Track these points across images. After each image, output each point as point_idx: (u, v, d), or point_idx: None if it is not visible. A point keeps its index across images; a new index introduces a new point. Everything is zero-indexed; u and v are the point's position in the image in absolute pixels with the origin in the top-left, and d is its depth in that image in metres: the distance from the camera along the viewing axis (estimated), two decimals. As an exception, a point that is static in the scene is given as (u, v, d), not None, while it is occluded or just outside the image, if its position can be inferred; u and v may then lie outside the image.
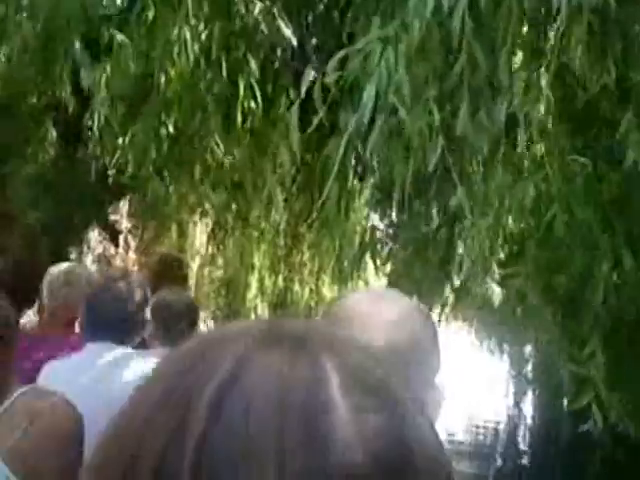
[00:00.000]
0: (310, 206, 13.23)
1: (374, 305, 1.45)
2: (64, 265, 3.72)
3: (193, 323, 3.37)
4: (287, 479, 0.42)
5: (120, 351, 2.68)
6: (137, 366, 2.58)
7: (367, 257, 15.32)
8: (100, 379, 2.53)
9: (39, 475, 1.64)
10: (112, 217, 11.20)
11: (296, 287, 13.78)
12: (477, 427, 12.39)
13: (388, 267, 12.74)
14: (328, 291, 14.30)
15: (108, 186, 7.31)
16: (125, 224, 12.30)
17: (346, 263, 14.80)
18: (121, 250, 11.94)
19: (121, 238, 11.85)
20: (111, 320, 2.70)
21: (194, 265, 14.00)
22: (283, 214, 13.22)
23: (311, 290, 14.19)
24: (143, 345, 2.94)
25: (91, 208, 7.68)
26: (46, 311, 3.36)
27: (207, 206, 12.58)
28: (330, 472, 0.43)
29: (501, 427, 12.23)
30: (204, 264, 13.67)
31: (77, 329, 3.16)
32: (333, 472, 0.43)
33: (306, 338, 0.52)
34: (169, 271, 4.17)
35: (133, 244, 12.93)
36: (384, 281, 12.82)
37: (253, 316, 14.78)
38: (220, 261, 14.11)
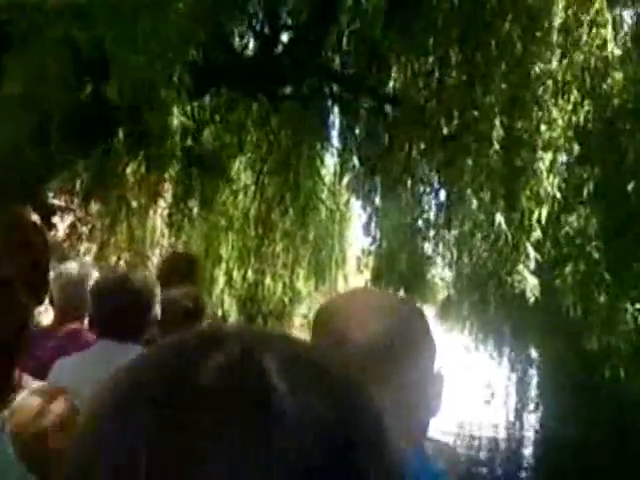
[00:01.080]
0: (283, 190, 12.03)
1: (364, 300, 1.42)
2: (73, 263, 3.82)
3: (196, 320, 3.37)
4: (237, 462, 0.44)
5: (131, 348, 2.65)
6: None
7: (349, 248, 14.29)
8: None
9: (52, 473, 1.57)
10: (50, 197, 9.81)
11: (268, 281, 12.77)
12: (472, 437, 11.29)
13: (371, 259, 11.28)
14: (304, 286, 13.67)
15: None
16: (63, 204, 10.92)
17: (324, 254, 13.79)
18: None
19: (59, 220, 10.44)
20: (121, 317, 2.75)
21: (153, 257, 12.66)
22: (253, 199, 12.40)
23: (284, 284, 13.26)
24: (151, 342, 2.81)
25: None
26: (55, 308, 3.43)
27: (166, 187, 11.20)
28: (272, 453, 0.45)
29: (499, 440, 11.11)
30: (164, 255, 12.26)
31: (86, 325, 3.26)
32: (275, 453, 0.45)
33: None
34: (179, 269, 4.21)
35: (84, 229, 11.51)
36: (367, 275, 11.52)
37: (220, 312, 13.47)
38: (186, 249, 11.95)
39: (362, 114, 10.36)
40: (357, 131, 11.40)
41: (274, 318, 13.74)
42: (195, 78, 7.19)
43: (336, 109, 10.90)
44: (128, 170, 10.03)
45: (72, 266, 3.57)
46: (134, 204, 11.19)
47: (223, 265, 12.58)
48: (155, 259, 12.83)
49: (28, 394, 1.85)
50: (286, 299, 13.54)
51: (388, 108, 9.22)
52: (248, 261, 12.44)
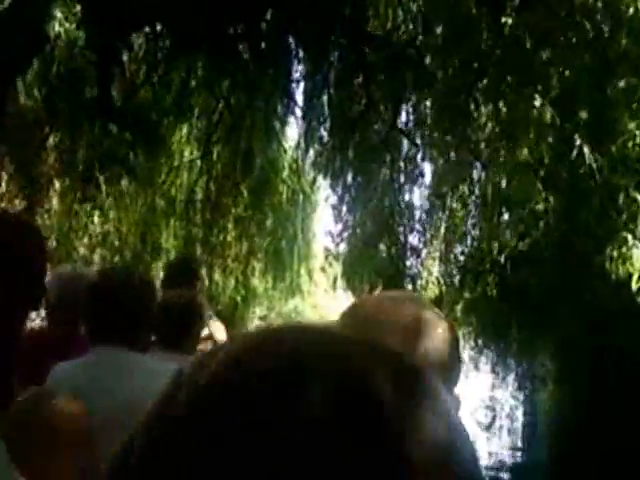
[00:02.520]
0: (235, 167, 10.27)
1: (393, 310, 1.40)
2: (68, 266, 4.22)
3: (195, 327, 3.34)
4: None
5: (128, 354, 2.65)
6: (146, 369, 2.59)
7: (314, 238, 12.63)
8: (109, 382, 2.55)
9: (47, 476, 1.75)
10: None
11: (217, 276, 11.19)
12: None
13: (342, 250, 9.66)
14: (260, 282, 12.12)
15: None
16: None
17: (285, 244, 12.09)
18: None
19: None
20: (118, 322, 2.68)
21: (81, 247, 10.91)
22: (198, 177, 10.99)
23: (237, 281, 11.67)
24: (149, 348, 2.89)
25: None
26: (50, 311, 3.45)
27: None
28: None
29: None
30: (94, 245, 10.52)
31: (82, 330, 3.13)
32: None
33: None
34: (182, 273, 4.21)
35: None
36: (336, 269, 10.49)
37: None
38: (115, 241, 11.30)
39: (334, 70, 8.55)
40: (326, 94, 9.73)
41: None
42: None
43: (301, 66, 9.16)
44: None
45: (67, 269, 3.77)
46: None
47: (163, 257, 10.98)
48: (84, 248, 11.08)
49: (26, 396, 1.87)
50: (238, 298, 11.91)
51: (368, 55, 7.43)
52: (193, 251, 10.91)
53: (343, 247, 9.81)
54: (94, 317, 2.74)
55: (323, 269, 9.75)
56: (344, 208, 9.89)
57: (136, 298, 2.74)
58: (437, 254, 8.97)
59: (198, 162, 10.66)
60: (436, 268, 9.07)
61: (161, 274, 11.32)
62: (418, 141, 9.68)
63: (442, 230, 8.75)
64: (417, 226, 9.06)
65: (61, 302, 3.33)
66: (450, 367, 1.34)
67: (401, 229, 9.11)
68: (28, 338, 2.77)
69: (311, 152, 10.27)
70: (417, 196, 9.36)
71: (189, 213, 11.08)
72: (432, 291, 8.96)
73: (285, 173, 11.44)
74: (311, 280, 13.35)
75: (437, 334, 1.33)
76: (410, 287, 9.02)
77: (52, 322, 3.45)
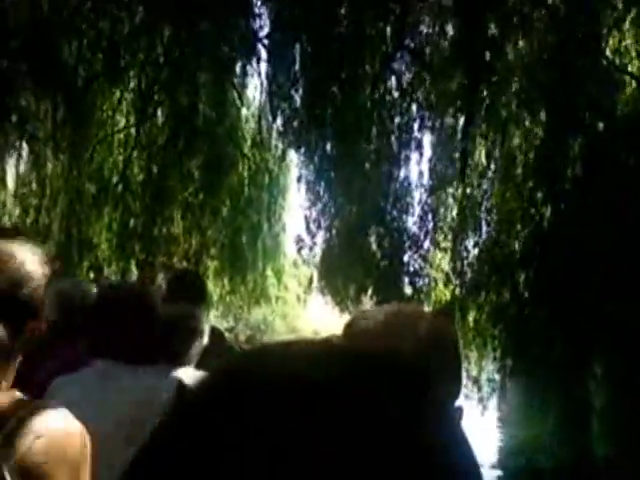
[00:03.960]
0: (183, 139, 9.16)
1: (393, 322, 1.53)
2: (68, 280, 4.25)
3: (196, 341, 3.30)
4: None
5: (127, 368, 2.72)
6: (144, 383, 2.72)
7: (284, 229, 10.96)
8: (104, 396, 2.64)
9: None
10: None
11: (160, 278, 9.03)
12: None
13: (319, 242, 8.63)
14: (215, 286, 10.23)
15: None
16: None
17: (246, 238, 10.19)
18: None
19: None
20: (118, 336, 2.76)
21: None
22: (137, 152, 9.64)
23: None
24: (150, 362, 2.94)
25: None
26: (49, 326, 2.76)
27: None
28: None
29: None
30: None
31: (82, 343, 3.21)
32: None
33: None
34: (183, 287, 4.24)
35: None
36: (312, 269, 9.25)
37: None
38: (34, 234, 9.21)
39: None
40: (298, 46, 8.44)
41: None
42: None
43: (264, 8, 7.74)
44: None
45: (66, 284, 3.81)
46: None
47: (94, 253, 9.83)
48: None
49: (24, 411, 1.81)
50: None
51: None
52: (131, 247, 9.77)
53: (321, 239, 7.93)
54: (95, 331, 2.84)
55: (300, 254, 7.89)
56: (321, 190, 8.10)
57: (137, 313, 2.84)
58: (446, 244, 7.09)
59: (133, 132, 8.91)
60: (445, 263, 7.18)
61: (90, 275, 9.75)
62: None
63: (451, 214, 6.90)
64: (417, 210, 7.17)
65: (61, 316, 3.47)
66: (450, 380, 1.39)
67: (396, 214, 7.21)
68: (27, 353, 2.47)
69: (279, 119, 8.98)
70: (415, 172, 7.54)
71: (125, 199, 9.65)
72: (441, 293, 7.07)
73: (246, 146, 9.86)
74: (280, 283, 11.56)
75: (436, 349, 1.38)
76: (410, 290, 7.14)
77: (51, 336, 3.38)
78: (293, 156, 9.61)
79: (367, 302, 7.64)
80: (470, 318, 7.47)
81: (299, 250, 8.09)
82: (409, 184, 7.54)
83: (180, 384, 2.70)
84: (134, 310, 2.79)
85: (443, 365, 1.36)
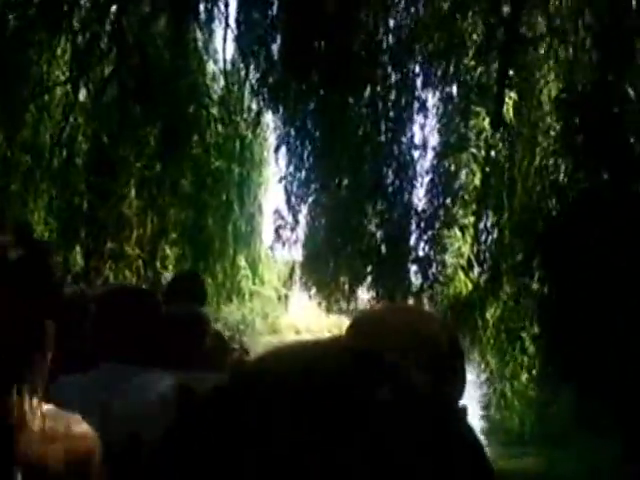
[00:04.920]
0: (134, 99, 7.94)
1: (395, 324, 1.57)
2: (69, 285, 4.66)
3: (203, 342, 3.25)
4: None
5: (130, 369, 2.72)
6: (146, 385, 2.70)
7: (260, 209, 9.78)
8: (104, 397, 2.58)
9: None
10: None
11: (107, 269, 8.30)
12: None
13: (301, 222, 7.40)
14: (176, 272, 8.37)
15: None
16: None
17: (213, 220, 8.76)
18: None
19: None
20: (122, 338, 2.76)
21: None
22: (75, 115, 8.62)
23: (139, 275, 8.70)
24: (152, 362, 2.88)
25: None
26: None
27: None
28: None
29: None
30: None
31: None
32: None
33: None
34: (185, 288, 4.28)
35: None
36: (296, 254, 7.68)
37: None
38: None
39: None
40: None
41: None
42: None
43: None
44: None
45: (67, 288, 3.97)
46: None
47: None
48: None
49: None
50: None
51: None
52: (74, 231, 8.70)
53: (305, 219, 6.59)
54: (99, 333, 2.84)
55: (279, 240, 6.59)
56: (305, 159, 6.74)
57: (140, 315, 2.84)
58: (466, 221, 5.68)
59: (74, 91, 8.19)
60: (465, 245, 5.77)
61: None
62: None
63: (473, 182, 5.52)
64: (426, 179, 5.86)
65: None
66: (452, 380, 1.42)
67: (399, 185, 5.85)
68: None
69: (252, 74, 8.02)
70: (418, 136, 6.28)
71: (66, 172, 8.63)
72: (460, 284, 5.67)
73: (214, 108, 8.67)
74: (255, 275, 10.45)
75: (436, 349, 1.41)
76: (418, 281, 5.74)
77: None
78: (270, 119, 8.62)
79: (364, 298, 6.34)
80: (494, 313, 6.09)
81: (277, 231, 6.66)
82: (416, 147, 6.15)
83: (183, 385, 2.56)
84: (137, 310, 2.82)
85: (446, 366, 1.38)
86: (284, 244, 6.80)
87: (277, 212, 6.96)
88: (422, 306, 5.93)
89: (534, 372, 6.24)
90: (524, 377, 6.34)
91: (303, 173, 7.03)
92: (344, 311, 7.55)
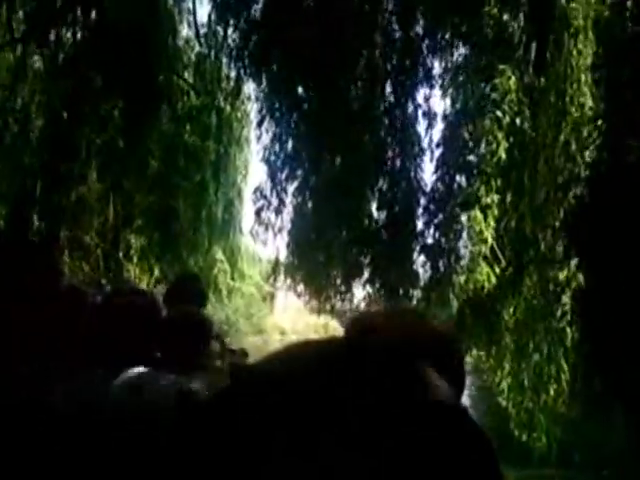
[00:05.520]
0: (95, 62, 7.13)
1: (389, 324, 1.52)
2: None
3: (205, 343, 3.14)
4: None
5: (136, 371, 2.70)
6: (151, 386, 2.62)
7: (238, 193, 9.00)
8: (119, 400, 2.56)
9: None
10: None
11: (63, 260, 7.24)
12: None
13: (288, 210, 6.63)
14: (141, 268, 7.93)
15: None
16: None
17: (184, 207, 7.75)
18: None
19: None
20: (125, 340, 2.77)
21: None
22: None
23: (98, 266, 7.76)
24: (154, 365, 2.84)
25: None
26: None
27: None
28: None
29: None
30: None
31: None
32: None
33: None
34: (186, 290, 4.23)
35: None
36: (278, 243, 6.70)
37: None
38: None
39: None
40: None
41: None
42: None
43: None
44: None
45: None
46: None
47: None
48: None
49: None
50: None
51: None
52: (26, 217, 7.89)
53: (292, 202, 5.65)
54: (102, 335, 2.82)
55: (261, 224, 5.63)
56: (291, 131, 5.78)
57: (144, 316, 2.85)
58: (486, 201, 4.75)
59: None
60: (486, 230, 4.83)
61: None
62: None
63: (497, 153, 4.62)
64: (436, 152, 4.90)
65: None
66: (450, 383, 1.32)
67: (402, 161, 4.93)
68: None
69: (231, 37, 7.07)
70: (420, 95, 5.38)
71: (17, 150, 7.78)
72: (477, 277, 4.74)
73: (185, 75, 7.75)
74: (234, 269, 9.40)
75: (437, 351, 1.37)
76: (428, 273, 4.84)
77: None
78: (251, 88, 7.51)
79: (360, 296, 5.44)
80: (516, 311, 5.17)
81: (258, 213, 5.68)
82: (425, 114, 5.19)
83: (184, 387, 2.47)
84: (137, 312, 2.82)
85: (444, 368, 1.26)
86: (267, 228, 5.82)
87: (258, 191, 6.03)
88: (430, 304, 5.11)
89: (564, 383, 5.37)
90: (552, 389, 5.45)
91: (289, 147, 6.06)
92: (336, 312, 6.72)
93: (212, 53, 7.53)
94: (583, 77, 5.98)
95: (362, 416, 0.63)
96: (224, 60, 7.38)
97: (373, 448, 0.62)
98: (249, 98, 8.03)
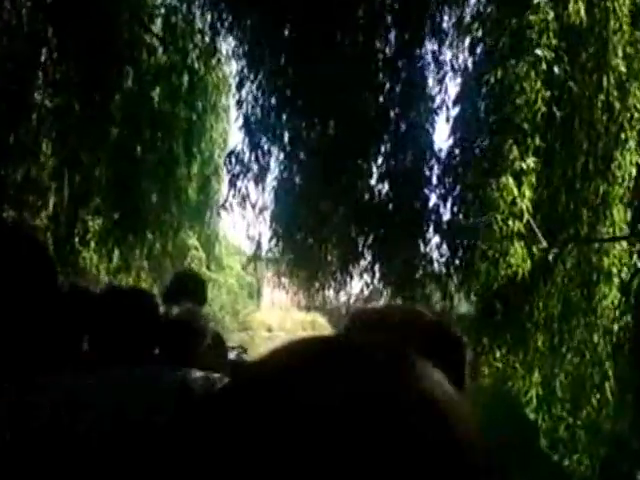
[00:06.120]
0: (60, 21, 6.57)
1: (394, 322, 1.52)
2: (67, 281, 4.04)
3: (202, 342, 3.25)
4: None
5: (128, 369, 2.72)
6: (148, 384, 2.66)
7: (215, 169, 8.14)
8: (120, 401, 2.57)
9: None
10: None
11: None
12: None
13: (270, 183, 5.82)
14: (100, 256, 6.99)
15: None
16: None
17: (153, 185, 6.76)
18: None
19: None
20: (120, 338, 2.78)
21: None
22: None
23: (64, 259, 6.59)
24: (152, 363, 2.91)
25: None
26: None
27: None
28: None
29: None
30: None
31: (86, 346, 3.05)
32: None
33: None
34: (185, 288, 4.26)
35: None
36: (261, 228, 5.89)
37: None
38: None
39: None
40: None
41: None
42: None
43: None
44: None
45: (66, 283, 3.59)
46: None
47: None
48: None
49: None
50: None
51: None
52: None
53: (275, 177, 4.71)
54: (97, 333, 2.85)
55: (224, 208, 4.73)
56: (276, 92, 4.87)
57: (140, 315, 2.87)
58: (521, 165, 3.85)
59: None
60: (522, 199, 3.89)
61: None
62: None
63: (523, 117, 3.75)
64: (452, 113, 3.99)
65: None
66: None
67: (410, 120, 4.01)
68: None
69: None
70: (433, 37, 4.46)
71: None
72: (510, 261, 3.84)
73: (154, 30, 6.64)
74: (210, 258, 7.79)
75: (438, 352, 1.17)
76: (442, 258, 3.96)
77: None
78: (229, 45, 6.52)
79: (357, 287, 4.51)
80: (551, 304, 4.25)
81: (233, 182, 4.65)
82: (438, 63, 4.24)
83: (183, 386, 2.56)
84: (134, 311, 2.80)
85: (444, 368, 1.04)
86: (243, 200, 4.80)
87: (233, 154, 4.94)
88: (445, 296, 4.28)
89: (609, 395, 4.44)
90: (594, 400, 4.53)
91: (274, 104, 5.07)
92: (328, 309, 5.96)
93: (184, 4, 6.49)
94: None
95: (362, 416, 0.56)
96: (197, 12, 6.37)
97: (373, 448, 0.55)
98: (228, 56, 6.91)
